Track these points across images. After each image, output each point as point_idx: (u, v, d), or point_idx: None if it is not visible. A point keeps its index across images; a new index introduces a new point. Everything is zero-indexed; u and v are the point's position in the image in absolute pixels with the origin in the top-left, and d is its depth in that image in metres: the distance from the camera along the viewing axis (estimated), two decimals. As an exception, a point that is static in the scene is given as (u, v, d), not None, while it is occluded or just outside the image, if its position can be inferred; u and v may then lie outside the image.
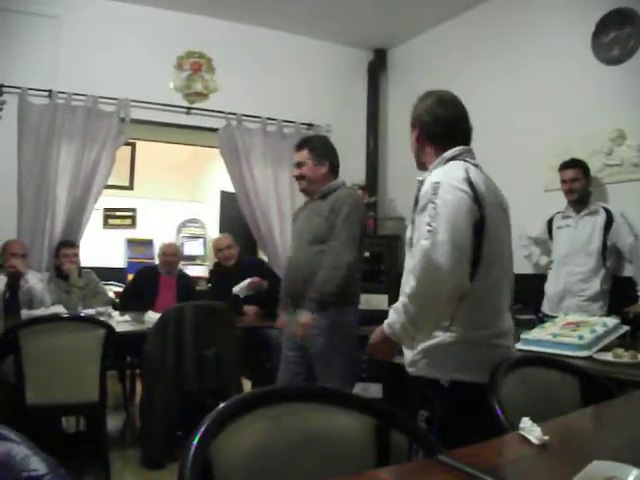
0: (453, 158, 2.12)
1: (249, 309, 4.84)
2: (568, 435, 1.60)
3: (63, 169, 4.98)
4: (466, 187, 1.96)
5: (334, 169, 3.48)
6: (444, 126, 2.20)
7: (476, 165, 2.13)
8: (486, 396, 1.76)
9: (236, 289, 4.71)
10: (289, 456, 1.36)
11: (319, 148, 3.47)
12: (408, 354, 2.12)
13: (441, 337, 2.02)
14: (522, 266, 4.56)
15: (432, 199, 1.94)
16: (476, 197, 1.97)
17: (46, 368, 3.35)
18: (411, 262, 2.05)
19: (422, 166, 2.27)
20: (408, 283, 1.99)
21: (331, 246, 3.22)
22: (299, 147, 3.49)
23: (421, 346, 2.05)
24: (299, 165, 3.46)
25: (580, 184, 3.99)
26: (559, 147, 4.49)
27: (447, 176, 2.00)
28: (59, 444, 3.72)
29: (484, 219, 1.98)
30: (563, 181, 4.05)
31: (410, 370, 2.12)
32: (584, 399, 2.00)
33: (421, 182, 2.12)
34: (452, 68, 5.62)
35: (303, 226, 3.47)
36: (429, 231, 1.90)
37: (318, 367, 3.27)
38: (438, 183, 1.96)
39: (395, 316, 2.00)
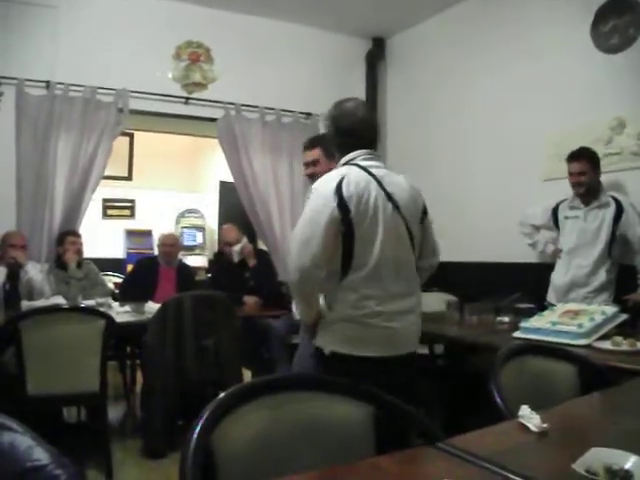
0: (346, 163, 2.44)
1: (249, 299, 4.87)
2: (567, 423, 1.61)
3: (61, 160, 4.97)
4: (331, 194, 2.26)
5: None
6: (344, 135, 2.49)
7: (366, 167, 2.38)
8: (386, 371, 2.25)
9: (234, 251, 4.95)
10: (289, 444, 1.37)
11: (330, 146, 3.52)
12: None
13: (327, 315, 2.36)
14: (525, 255, 4.57)
15: (306, 202, 2.36)
16: (342, 204, 2.26)
17: (47, 359, 3.36)
18: None
19: None
20: None
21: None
22: (309, 147, 3.51)
23: (320, 321, 2.40)
24: (314, 164, 3.46)
25: (587, 177, 3.84)
26: (558, 136, 4.48)
27: (321, 184, 2.36)
28: (60, 434, 3.73)
29: (351, 222, 2.27)
30: (570, 173, 3.91)
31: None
32: (583, 387, 2.01)
33: None
34: (451, 57, 5.61)
35: None
36: (294, 229, 2.35)
37: None
38: (313, 190, 2.37)
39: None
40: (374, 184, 2.34)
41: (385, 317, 2.33)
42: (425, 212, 2.52)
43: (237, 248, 5.06)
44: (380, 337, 2.33)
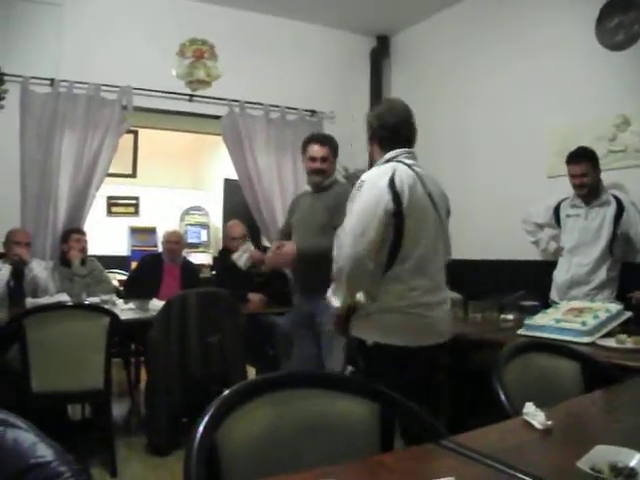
0: (391, 159, 2.52)
1: (254, 296, 4.86)
2: (571, 420, 1.61)
3: (65, 157, 4.98)
4: (385, 187, 2.37)
5: None
6: (387, 131, 2.59)
7: (410, 165, 2.49)
8: (415, 359, 2.38)
9: (235, 257, 4.78)
10: (294, 441, 1.37)
11: (337, 147, 3.73)
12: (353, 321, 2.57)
13: (370, 306, 2.46)
14: (529, 252, 4.56)
15: (355, 194, 2.43)
16: (395, 197, 2.36)
17: (51, 356, 3.37)
18: None
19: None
20: None
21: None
22: (323, 143, 3.67)
23: (358, 313, 2.51)
24: (324, 160, 3.63)
25: (590, 179, 3.82)
26: (563, 133, 4.48)
27: (372, 176, 2.45)
28: (65, 431, 3.74)
29: (402, 215, 2.37)
30: (572, 175, 3.90)
31: (351, 332, 2.57)
32: (587, 385, 2.01)
33: None
34: (456, 54, 5.60)
35: (311, 216, 3.66)
36: (346, 220, 2.43)
37: (325, 343, 3.53)
38: (363, 181, 2.43)
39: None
40: (419, 182, 2.47)
41: (426, 307, 2.45)
42: (449, 212, 2.69)
43: (236, 257, 4.86)
44: (421, 327, 2.44)
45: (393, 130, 2.57)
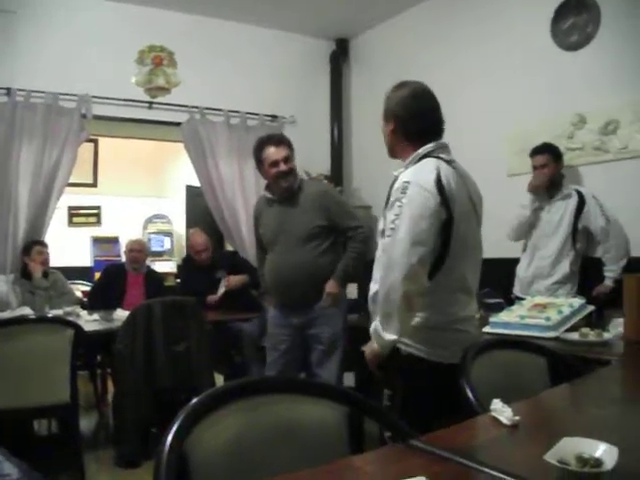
0: (427, 155, 2.16)
1: (234, 277, 4.85)
2: (538, 414, 1.63)
3: (24, 167, 4.89)
4: (434, 189, 2.03)
5: None
6: (419, 121, 2.22)
7: (449, 161, 2.17)
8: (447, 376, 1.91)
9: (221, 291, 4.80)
10: (264, 448, 1.37)
11: (292, 144, 3.52)
12: None
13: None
14: (491, 250, 4.58)
15: (399, 197, 2.05)
16: (444, 199, 2.04)
17: (15, 371, 3.30)
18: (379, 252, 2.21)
19: (395, 155, 2.35)
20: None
21: (360, 232, 3.42)
22: (279, 142, 3.44)
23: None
24: (287, 160, 3.41)
25: (549, 170, 3.95)
26: (521, 132, 4.54)
27: (417, 176, 2.07)
28: (31, 448, 3.68)
29: (452, 219, 2.07)
30: (534, 167, 4.03)
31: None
32: (552, 379, 2.04)
33: (396, 177, 2.19)
34: (413, 55, 5.63)
35: (292, 227, 3.44)
36: (392, 229, 2.04)
37: (316, 357, 3.45)
38: (408, 183, 2.05)
39: (374, 322, 2.15)
40: (463, 184, 2.18)
41: (465, 321, 2.21)
42: None
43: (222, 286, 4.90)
44: (456, 342, 2.11)
45: (422, 119, 2.21)
